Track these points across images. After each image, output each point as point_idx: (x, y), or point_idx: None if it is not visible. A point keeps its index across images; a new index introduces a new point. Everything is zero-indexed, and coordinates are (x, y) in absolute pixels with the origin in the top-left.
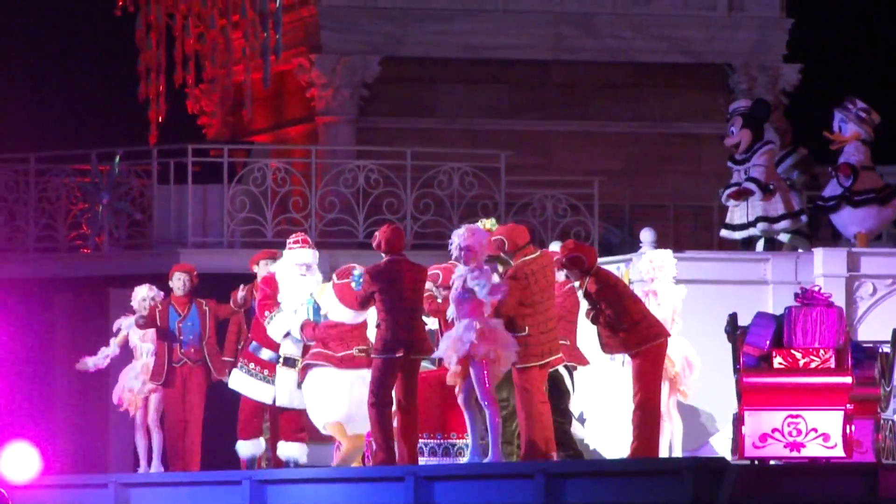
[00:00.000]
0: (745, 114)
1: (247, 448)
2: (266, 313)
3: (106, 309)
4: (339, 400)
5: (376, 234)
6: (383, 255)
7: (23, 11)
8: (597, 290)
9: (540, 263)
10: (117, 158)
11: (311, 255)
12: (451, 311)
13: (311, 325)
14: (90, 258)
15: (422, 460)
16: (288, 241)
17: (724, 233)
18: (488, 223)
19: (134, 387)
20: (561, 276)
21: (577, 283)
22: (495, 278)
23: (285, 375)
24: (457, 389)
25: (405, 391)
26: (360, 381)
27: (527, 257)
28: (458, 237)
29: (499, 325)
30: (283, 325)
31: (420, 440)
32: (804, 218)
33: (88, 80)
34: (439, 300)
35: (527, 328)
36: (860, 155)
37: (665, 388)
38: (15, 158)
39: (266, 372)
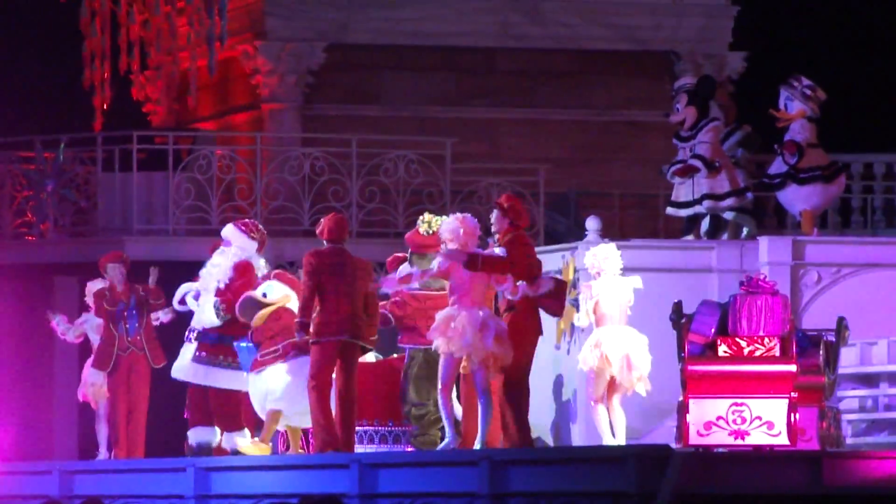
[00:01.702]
0: (690, 91)
1: (200, 434)
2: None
3: (51, 296)
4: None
5: (322, 220)
6: (325, 242)
7: None
8: (508, 242)
9: None
10: (62, 145)
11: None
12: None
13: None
14: (35, 245)
15: (370, 448)
16: None
17: (669, 210)
18: (430, 222)
19: (96, 381)
20: None
21: (495, 229)
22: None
23: (187, 350)
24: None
25: (345, 378)
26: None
27: None
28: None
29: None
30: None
31: (369, 427)
32: (750, 195)
33: (33, 67)
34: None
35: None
36: (806, 132)
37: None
38: None
39: (222, 358)
